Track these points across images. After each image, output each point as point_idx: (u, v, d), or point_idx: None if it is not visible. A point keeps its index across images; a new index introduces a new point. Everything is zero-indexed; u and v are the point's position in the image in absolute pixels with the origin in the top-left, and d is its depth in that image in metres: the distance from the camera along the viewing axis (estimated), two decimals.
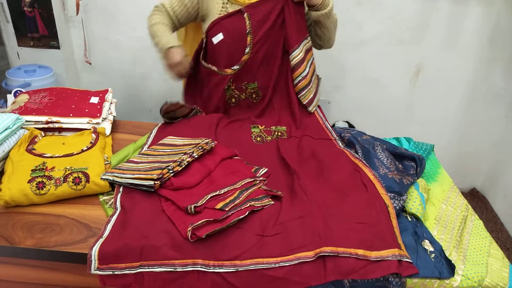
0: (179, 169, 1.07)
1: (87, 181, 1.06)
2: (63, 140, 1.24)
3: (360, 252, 0.89)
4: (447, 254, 0.94)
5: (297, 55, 1.39)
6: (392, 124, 2.29)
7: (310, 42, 1.46)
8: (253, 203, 0.99)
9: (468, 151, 2.40)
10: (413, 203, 1.06)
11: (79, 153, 1.17)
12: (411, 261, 0.89)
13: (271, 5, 1.37)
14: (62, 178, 1.04)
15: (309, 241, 0.91)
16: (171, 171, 1.05)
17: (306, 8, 1.42)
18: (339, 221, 0.96)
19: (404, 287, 0.87)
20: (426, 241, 0.97)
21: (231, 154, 1.23)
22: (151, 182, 1.00)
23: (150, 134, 1.36)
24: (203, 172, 1.10)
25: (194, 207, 0.95)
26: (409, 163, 1.23)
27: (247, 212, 0.96)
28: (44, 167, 1.08)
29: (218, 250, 0.89)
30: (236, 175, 1.12)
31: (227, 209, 0.96)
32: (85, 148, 1.19)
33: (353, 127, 1.44)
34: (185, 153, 1.13)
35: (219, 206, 0.97)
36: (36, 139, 1.22)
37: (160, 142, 1.27)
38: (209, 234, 0.89)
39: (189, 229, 0.89)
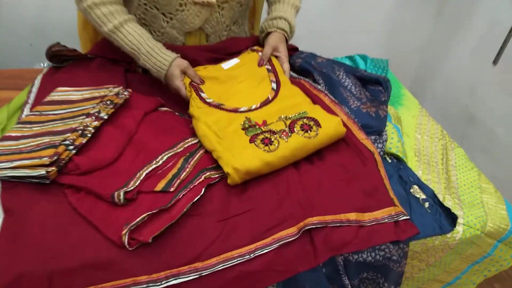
0: (84, 142, 0.74)
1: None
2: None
3: (352, 216, 0.70)
4: (441, 200, 0.79)
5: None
6: (322, 37, 2.06)
7: None
8: (207, 174, 0.73)
9: (396, 56, 2.31)
10: (391, 140, 0.88)
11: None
12: (408, 217, 0.73)
13: None
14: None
15: (289, 213, 0.69)
16: (71, 148, 0.71)
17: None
18: (321, 181, 0.74)
19: (406, 257, 0.71)
20: (415, 186, 0.81)
21: (155, 103, 0.91)
22: (42, 171, 0.66)
23: (32, 87, 0.96)
24: (120, 137, 0.78)
25: (124, 193, 0.66)
26: (375, 87, 1.03)
27: (203, 190, 0.69)
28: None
29: (170, 254, 0.63)
30: (172, 134, 0.83)
31: (172, 189, 0.68)
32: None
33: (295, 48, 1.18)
34: (87, 115, 0.78)
35: (160, 187, 0.69)
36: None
37: (48, 98, 0.88)
38: (157, 236, 0.62)
39: (124, 232, 0.60)
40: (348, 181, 0.75)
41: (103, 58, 1.02)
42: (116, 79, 0.95)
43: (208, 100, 0.87)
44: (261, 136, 0.77)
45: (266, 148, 0.74)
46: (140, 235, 0.60)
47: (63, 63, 1.04)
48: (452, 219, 0.75)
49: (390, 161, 0.86)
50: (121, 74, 0.98)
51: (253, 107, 0.86)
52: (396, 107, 1.05)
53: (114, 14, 0.89)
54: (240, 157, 0.72)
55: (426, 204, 0.78)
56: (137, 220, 0.61)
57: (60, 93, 0.90)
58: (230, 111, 0.85)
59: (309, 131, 0.77)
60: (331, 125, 0.79)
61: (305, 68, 1.03)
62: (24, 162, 0.67)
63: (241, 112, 0.84)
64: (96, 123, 0.77)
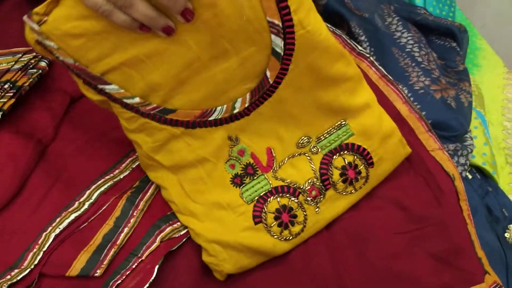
0: None
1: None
2: None
3: None
4: None
5: None
6: None
7: None
8: (168, 229, 0.42)
9: None
10: (474, 142, 0.54)
11: None
12: None
13: None
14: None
15: None
16: None
17: None
18: (364, 235, 0.43)
19: None
20: None
21: None
22: None
23: None
24: (22, 154, 0.46)
25: (9, 286, 0.36)
26: (443, 42, 0.66)
27: (156, 268, 0.39)
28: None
29: None
30: (116, 139, 0.50)
31: (98, 272, 0.38)
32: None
33: None
34: None
35: (77, 268, 0.38)
36: None
37: None
38: None
39: None
40: (410, 236, 0.44)
41: None
42: None
43: (130, 102, 0.38)
44: (273, 205, 0.41)
45: (285, 233, 0.41)
46: None
47: None
48: None
49: (470, 176, 0.54)
50: None
51: (237, 105, 0.39)
52: (471, 70, 0.69)
53: None
54: (237, 253, 0.40)
55: None
56: None
57: None
58: (189, 122, 0.39)
59: (354, 181, 0.43)
60: (388, 155, 0.44)
61: (336, 10, 0.65)
62: None
63: (214, 122, 0.39)
64: None
